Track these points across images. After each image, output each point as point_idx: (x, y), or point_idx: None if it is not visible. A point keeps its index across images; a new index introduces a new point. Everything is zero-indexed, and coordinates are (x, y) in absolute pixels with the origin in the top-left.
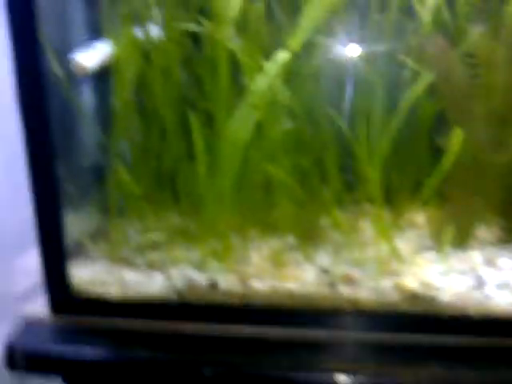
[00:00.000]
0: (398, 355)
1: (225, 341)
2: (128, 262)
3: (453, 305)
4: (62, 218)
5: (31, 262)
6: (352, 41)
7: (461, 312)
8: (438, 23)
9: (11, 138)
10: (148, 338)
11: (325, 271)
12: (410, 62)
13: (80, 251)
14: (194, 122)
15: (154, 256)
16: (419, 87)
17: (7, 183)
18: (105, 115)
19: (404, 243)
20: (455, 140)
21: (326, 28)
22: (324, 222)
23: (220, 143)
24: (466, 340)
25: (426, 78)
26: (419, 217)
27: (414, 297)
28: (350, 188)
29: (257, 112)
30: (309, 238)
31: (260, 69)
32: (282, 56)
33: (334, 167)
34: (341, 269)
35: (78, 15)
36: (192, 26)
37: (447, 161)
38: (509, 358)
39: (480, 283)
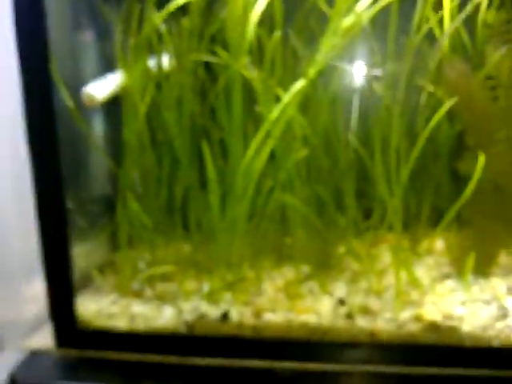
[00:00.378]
0: None
1: (235, 374)
2: (137, 295)
3: (475, 336)
4: (70, 250)
5: (38, 291)
6: (370, 66)
7: (484, 343)
8: (457, 47)
9: (20, 169)
10: (156, 371)
11: (341, 302)
12: (429, 86)
13: (88, 283)
14: (207, 151)
15: (164, 288)
16: (440, 113)
17: (17, 213)
18: (116, 145)
19: (423, 271)
20: (478, 165)
21: (343, 54)
22: (340, 250)
23: (233, 173)
24: (488, 372)
25: (448, 103)
26: (438, 244)
27: (434, 328)
28: (367, 216)
29: (272, 141)
30: (324, 267)
31: (275, 98)
32: (299, 85)
33: (350, 195)
34: (358, 299)
35: (90, 48)
36: (205, 56)
37: (470, 186)
38: None
39: (504, 313)
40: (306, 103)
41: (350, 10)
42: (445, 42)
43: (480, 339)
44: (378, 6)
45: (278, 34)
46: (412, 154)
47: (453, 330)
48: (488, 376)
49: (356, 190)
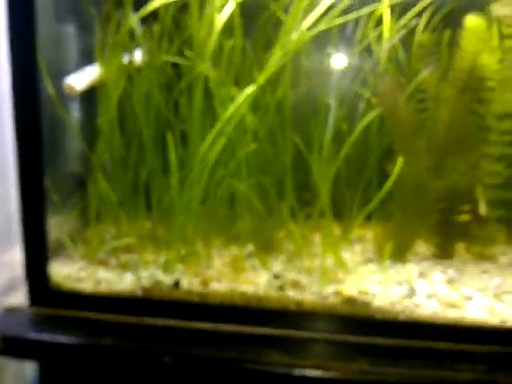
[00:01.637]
0: (333, 351)
1: (183, 333)
2: (102, 263)
3: (385, 310)
4: (45, 221)
5: (16, 258)
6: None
7: (391, 317)
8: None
9: (3, 148)
10: (116, 329)
11: (276, 276)
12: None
13: (60, 251)
14: (170, 140)
15: (126, 258)
16: (366, 120)
17: None
18: (90, 130)
19: (350, 255)
20: (396, 167)
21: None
22: (280, 234)
23: (191, 160)
24: (394, 342)
25: (373, 114)
26: (368, 233)
27: (350, 301)
28: (307, 204)
29: (225, 135)
30: (266, 247)
31: (230, 97)
32: (250, 89)
33: (290, 186)
34: (290, 275)
35: (73, 42)
36: (173, 57)
37: (388, 184)
38: (428, 358)
39: (411, 293)
40: (257, 103)
41: (296, 27)
42: (383, 58)
43: (389, 313)
44: (321, 26)
45: (232, 42)
46: (340, 153)
47: (366, 304)
48: (393, 345)
49: (298, 182)
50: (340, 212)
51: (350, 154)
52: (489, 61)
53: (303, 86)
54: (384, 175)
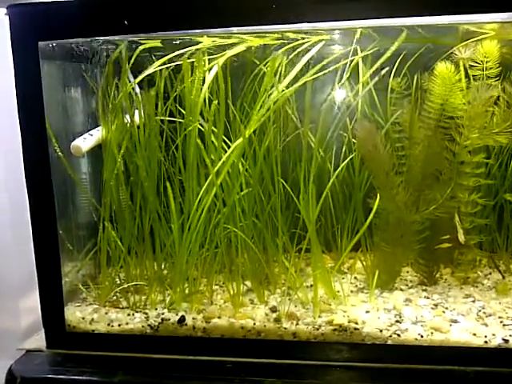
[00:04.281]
0: (328, 377)
1: (189, 366)
2: (114, 305)
3: (373, 336)
4: (60, 268)
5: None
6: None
7: (380, 342)
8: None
9: (19, 199)
10: (127, 364)
11: (273, 309)
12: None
13: (75, 295)
14: (169, 190)
15: (135, 299)
16: (345, 162)
17: (16, 239)
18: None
19: (345, 285)
20: (375, 202)
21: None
22: (276, 269)
23: (189, 207)
24: (382, 365)
25: (352, 155)
26: (358, 263)
27: (342, 330)
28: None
29: (217, 184)
30: (263, 283)
31: (220, 150)
32: (238, 142)
33: (283, 225)
34: (286, 308)
35: (78, 107)
36: (167, 117)
37: (370, 217)
38: (416, 379)
39: (398, 319)
40: (247, 153)
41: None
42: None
43: (377, 339)
44: (296, 85)
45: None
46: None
47: (356, 331)
48: (383, 368)
49: (291, 220)
50: (331, 245)
51: (337, 192)
52: (457, 101)
53: (289, 134)
54: (370, 210)
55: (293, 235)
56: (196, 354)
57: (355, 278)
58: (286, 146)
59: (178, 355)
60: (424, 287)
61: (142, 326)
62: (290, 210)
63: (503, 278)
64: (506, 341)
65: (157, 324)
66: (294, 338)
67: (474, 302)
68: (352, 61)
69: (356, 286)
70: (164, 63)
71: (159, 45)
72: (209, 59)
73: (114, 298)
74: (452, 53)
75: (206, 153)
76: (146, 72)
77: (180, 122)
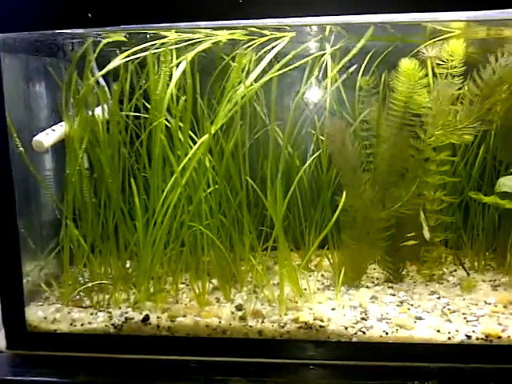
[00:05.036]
0: (293, 375)
1: (153, 366)
2: (77, 304)
3: (339, 333)
4: (21, 267)
5: None
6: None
7: (345, 339)
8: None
9: None
10: (90, 365)
11: (238, 308)
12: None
13: (37, 295)
14: (134, 187)
15: (99, 298)
16: (311, 158)
17: None
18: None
19: (311, 282)
20: (342, 200)
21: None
22: (243, 267)
23: (154, 204)
24: (347, 362)
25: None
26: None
27: (307, 327)
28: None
29: (183, 180)
30: (229, 281)
31: (186, 146)
32: (204, 138)
33: (250, 223)
34: (252, 306)
35: (42, 102)
36: (133, 112)
37: (336, 214)
38: (381, 377)
39: (364, 316)
40: (213, 150)
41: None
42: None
43: (342, 336)
44: (262, 81)
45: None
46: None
47: (321, 328)
48: (348, 366)
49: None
50: (299, 243)
51: (306, 190)
52: (421, 98)
53: (257, 131)
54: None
55: (261, 233)
56: (160, 353)
57: (322, 275)
58: (254, 142)
59: (141, 355)
60: (390, 284)
61: (106, 326)
62: (258, 208)
63: (468, 274)
64: (469, 337)
65: (120, 323)
66: (259, 336)
67: (439, 298)
68: (320, 58)
69: (323, 283)
70: (128, 57)
71: (123, 39)
72: (177, 54)
73: (78, 297)
74: (419, 51)
75: (172, 149)
76: (110, 66)
77: (146, 118)
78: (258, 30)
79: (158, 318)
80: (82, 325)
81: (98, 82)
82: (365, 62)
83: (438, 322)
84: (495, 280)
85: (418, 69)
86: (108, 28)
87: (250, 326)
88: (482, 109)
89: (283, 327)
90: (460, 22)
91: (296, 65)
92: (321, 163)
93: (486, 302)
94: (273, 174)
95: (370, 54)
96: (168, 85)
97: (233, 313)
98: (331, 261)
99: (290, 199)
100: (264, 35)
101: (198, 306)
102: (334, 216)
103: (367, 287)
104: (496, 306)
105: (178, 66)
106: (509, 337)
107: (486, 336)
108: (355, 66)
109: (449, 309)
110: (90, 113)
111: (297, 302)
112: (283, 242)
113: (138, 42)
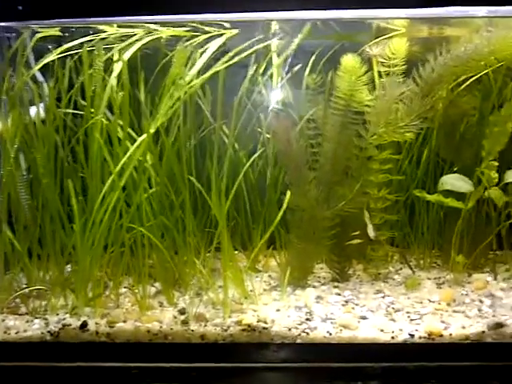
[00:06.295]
0: (235, 379)
1: (92, 373)
2: (13, 311)
3: (282, 335)
4: None
5: None
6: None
7: (289, 341)
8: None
9: None
10: (25, 374)
11: (181, 312)
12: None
13: None
14: (71, 187)
15: (36, 304)
16: (255, 156)
17: None
18: None
19: (258, 284)
20: (286, 198)
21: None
22: (187, 270)
23: (92, 205)
24: (290, 364)
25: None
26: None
27: (251, 330)
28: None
29: (122, 181)
30: (173, 284)
31: (125, 146)
32: (143, 137)
33: (193, 224)
34: (196, 309)
35: None
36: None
37: (279, 214)
38: (325, 378)
39: (309, 317)
40: (153, 149)
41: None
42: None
43: (286, 337)
44: (205, 77)
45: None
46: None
47: (265, 330)
48: (291, 367)
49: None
50: (246, 244)
51: (253, 190)
52: (363, 96)
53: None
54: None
55: (207, 235)
56: (100, 360)
57: (269, 276)
58: (200, 142)
59: (80, 362)
60: (336, 284)
61: (42, 333)
62: (205, 209)
63: (413, 273)
64: (412, 335)
65: (57, 330)
66: (201, 340)
67: (383, 297)
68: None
69: (270, 284)
70: (63, 53)
71: (58, 33)
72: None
73: (13, 303)
74: (364, 50)
75: (110, 148)
76: (43, 61)
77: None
78: (201, 27)
79: (96, 323)
80: (16, 333)
81: (35, 79)
82: (311, 61)
83: (382, 321)
84: (440, 278)
85: (359, 66)
86: (46, 22)
87: (192, 330)
88: (422, 107)
89: (226, 330)
90: (403, 21)
91: (235, 60)
92: (268, 163)
93: (429, 300)
94: (217, 173)
95: (315, 53)
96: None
97: (175, 317)
98: (278, 261)
99: (238, 200)
100: (207, 32)
101: (140, 311)
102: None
103: (314, 287)
104: (439, 303)
105: (117, 61)
106: (450, 334)
107: (429, 334)
108: (300, 65)
109: (393, 308)
110: (25, 110)
111: (242, 304)
112: (228, 243)
113: (76, 38)
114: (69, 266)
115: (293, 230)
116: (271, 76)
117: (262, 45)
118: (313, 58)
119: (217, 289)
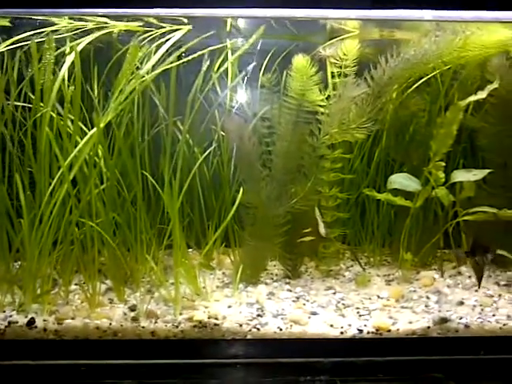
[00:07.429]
0: (185, 376)
1: (40, 371)
2: None
3: (233, 331)
4: None
5: None
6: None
7: (240, 337)
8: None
9: None
10: None
11: (132, 309)
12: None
13: None
14: (19, 182)
15: None
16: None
17: None
18: None
19: (211, 280)
20: (239, 195)
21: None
22: (139, 266)
23: (41, 200)
24: (241, 360)
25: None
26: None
27: (202, 326)
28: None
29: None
30: (124, 281)
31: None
32: (93, 131)
33: (146, 220)
34: (147, 306)
35: None
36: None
37: (231, 212)
38: (274, 373)
39: (260, 313)
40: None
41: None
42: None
43: (237, 334)
44: (156, 72)
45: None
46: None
47: (216, 327)
48: (242, 363)
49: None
50: (201, 242)
51: (208, 187)
52: (314, 97)
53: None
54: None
55: (160, 232)
56: (47, 357)
57: (223, 273)
58: (154, 137)
59: (27, 360)
60: (288, 280)
61: None
62: (158, 206)
63: (363, 270)
64: (361, 331)
65: (3, 327)
66: (152, 337)
67: (334, 293)
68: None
69: (223, 281)
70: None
71: (7, 24)
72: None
73: None
74: (318, 50)
75: (58, 142)
76: None
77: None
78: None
79: (44, 320)
80: None
81: None
82: (266, 60)
83: (331, 316)
84: (389, 275)
85: (310, 66)
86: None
87: (143, 327)
88: (373, 108)
89: (177, 327)
90: (356, 23)
91: (189, 58)
92: (222, 160)
93: (378, 297)
94: (170, 169)
95: (270, 53)
96: (54, 74)
97: (125, 314)
98: (232, 258)
99: (192, 197)
100: (162, 27)
101: (89, 308)
102: (235, 213)
103: (266, 284)
104: (388, 299)
105: (69, 54)
106: (398, 330)
107: (377, 329)
108: (254, 64)
109: (343, 304)
110: None
111: (194, 301)
112: (180, 240)
113: (27, 30)
114: (18, 262)
115: (246, 227)
116: (226, 74)
117: (218, 46)
118: (268, 57)
119: (168, 286)
